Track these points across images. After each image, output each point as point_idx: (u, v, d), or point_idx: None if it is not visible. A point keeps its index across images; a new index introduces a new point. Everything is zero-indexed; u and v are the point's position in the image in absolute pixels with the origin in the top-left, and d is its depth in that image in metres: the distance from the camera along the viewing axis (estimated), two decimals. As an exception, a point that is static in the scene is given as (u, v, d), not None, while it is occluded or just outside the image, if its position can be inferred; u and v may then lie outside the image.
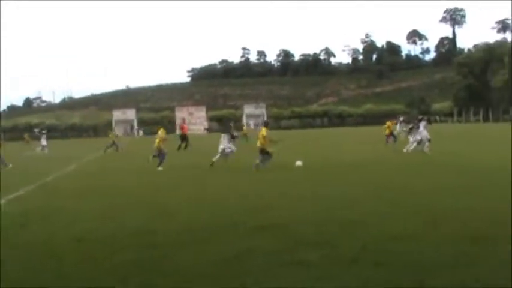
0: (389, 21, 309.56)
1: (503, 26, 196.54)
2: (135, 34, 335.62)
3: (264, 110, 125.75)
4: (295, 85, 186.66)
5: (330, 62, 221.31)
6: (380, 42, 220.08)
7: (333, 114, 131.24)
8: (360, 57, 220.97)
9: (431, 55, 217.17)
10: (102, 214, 13.15)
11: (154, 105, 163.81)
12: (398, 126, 37.98)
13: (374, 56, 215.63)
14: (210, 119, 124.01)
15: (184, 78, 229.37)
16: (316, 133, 76.25)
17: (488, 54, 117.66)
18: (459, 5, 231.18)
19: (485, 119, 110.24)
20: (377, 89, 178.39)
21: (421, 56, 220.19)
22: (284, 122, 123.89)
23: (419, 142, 30.04)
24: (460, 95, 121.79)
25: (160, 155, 26.46)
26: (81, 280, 7.77)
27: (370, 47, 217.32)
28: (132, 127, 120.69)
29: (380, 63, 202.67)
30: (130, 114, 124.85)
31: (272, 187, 17.56)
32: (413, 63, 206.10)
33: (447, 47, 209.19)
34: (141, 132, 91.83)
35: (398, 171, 21.13)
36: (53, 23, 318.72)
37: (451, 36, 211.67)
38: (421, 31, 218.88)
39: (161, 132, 27.26)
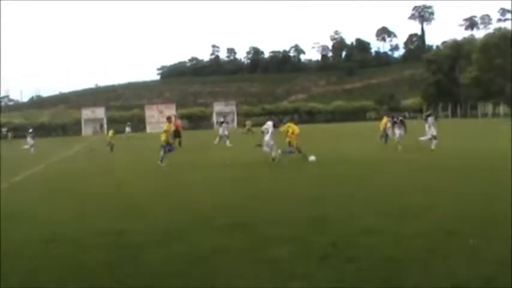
0: (359, 18, 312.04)
1: (471, 23, 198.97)
2: (104, 32, 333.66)
3: (234, 108, 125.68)
4: (265, 82, 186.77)
5: (299, 59, 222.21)
6: (349, 39, 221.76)
7: (303, 111, 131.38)
8: (330, 54, 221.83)
9: (400, 52, 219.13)
10: (74, 214, 13.03)
11: (124, 103, 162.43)
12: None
13: (343, 53, 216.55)
14: (180, 117, 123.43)
15: (154, 76, 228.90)
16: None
17: (456, 51, 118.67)
18: (427, 2, 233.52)
19: (454, 114, 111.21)
20: (347, 85, 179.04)
21: (390, 52, 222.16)
22: (254, 119, 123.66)
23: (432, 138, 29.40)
24: (429, 91, 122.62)
25: (166, 147, 26.39)
26: (53, 281, 7.69)
27: (339, 44, 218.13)
28: (101, 126, 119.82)
29: (349, 60, 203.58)
30: (100, 112, 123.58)
31: (243, 185, 17.58)
32: (383, 60, 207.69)
33: (416, 43, 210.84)
34: (128, 129, 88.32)
35: (369, 168, 21.21)
36: (19, 22, 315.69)
37: (419, 33, 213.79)
38: (390, 28, 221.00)
39: (167, 126, 27.41)
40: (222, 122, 42.91)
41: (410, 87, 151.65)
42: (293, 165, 23.07)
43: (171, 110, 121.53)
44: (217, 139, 40.41)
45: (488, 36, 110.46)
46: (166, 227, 10.87)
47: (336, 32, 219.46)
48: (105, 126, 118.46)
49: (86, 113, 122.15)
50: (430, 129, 29.55)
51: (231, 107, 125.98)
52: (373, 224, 10.19)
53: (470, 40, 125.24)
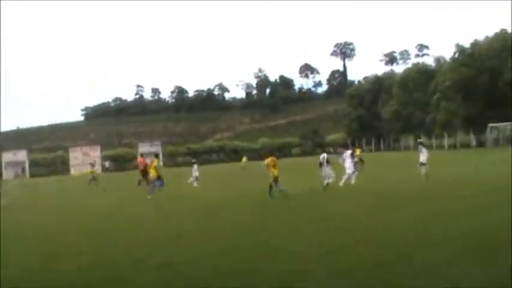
0: (282, 55, 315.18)
1: (391, 58, 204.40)
2: (24, 72, 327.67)
3: (159, 148, 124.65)
4: (190, 121, 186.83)
5: (224, 97, 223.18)
6: (273, 77, 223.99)
7: (228, 149, 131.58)
8: (254, 91, 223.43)
9: (324, 88, 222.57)
10: None
11: (47, 145, 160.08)
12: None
13: (267, 90, 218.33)
14: (105, 159, 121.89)
15: (78, 117, 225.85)
16: (212, 168, 75.62)
17: (377, 86, 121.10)
18: (348, 39, 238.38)
19: (377, 148, 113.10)
20: (271, 122, 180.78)
21: (313, 89, 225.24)
22: (180, 159, 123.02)
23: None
24: (352, 126, 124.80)
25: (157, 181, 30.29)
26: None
27: (263, 81, 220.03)
28: (23, 169, 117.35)
29: (273, 97, 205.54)
30: (22, 155, 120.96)
31: (170, 223, 17.45)
32: (306, 96, 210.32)
33: (338, 79, 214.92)
34: (107, 164, 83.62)
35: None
36: None
37: (341, 69, 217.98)
38: (313, 65, 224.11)
39: (156, 162, 31.65)
40: (194, 163, 42.30)
41: (334, 123, 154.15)
42: (211, 203, 22.92)
43: (95, 152, 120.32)
44: (192, 179, 39.71)
45: (406, 71, 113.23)
46: (95, 267, 10.50)
47: (260, 70, 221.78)
48: (27, 169, 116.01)
49: (7, 156, 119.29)
50: (422, 156, 30.33)
51: (156, 148, 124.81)
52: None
53: (390, 75, 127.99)
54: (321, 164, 27.36)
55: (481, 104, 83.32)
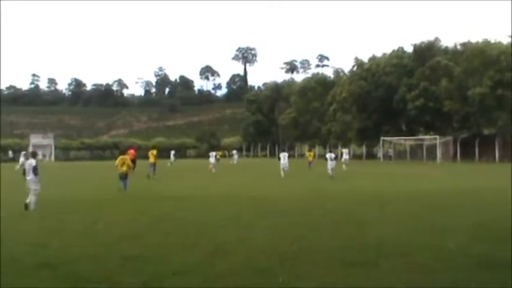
0: (183, 55, 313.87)
1: (291, 67, 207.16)
2: None
3: (52, 140, 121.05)
4: (86, 115, 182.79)
5: (122, 94, 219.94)
6: (173, 76, 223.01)
7: (123, 146, 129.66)
8: (153, 90, 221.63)
9: (223, 91, 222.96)
10: None
11: None
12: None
13: (167, 90, 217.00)
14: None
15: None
16: (105, 165, 74.08)
17: (276, 93, 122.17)
18: (251, 44, 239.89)
19: (272, 154, 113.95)
20: (169, 122, 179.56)
21: (213, 91, 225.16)
22: (73, 153, 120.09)
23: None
24: (248, 130, 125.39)
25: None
26: None
27: (163, 80, 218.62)
28: None
29: (173, 96, 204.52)
30: None
31: (51, 221, 16.36)
32: (205, 98, 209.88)
33: (238, 84, 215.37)
34: (10, 154, 77.75)
35: (180, 205, 20.70)
36: None
37: (242, 73, 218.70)
38: (214, 67, 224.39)
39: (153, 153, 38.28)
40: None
41: (231, 126, 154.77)
42: (92, 201, 22.19)
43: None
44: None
45: (306, 80, 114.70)
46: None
47: (160, 68, 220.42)
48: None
49: None
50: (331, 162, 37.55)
51: (49, 140, 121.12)
52: (183, 262, 9.89)
53: (290, 83, 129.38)
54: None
55: (375, 118, 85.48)
